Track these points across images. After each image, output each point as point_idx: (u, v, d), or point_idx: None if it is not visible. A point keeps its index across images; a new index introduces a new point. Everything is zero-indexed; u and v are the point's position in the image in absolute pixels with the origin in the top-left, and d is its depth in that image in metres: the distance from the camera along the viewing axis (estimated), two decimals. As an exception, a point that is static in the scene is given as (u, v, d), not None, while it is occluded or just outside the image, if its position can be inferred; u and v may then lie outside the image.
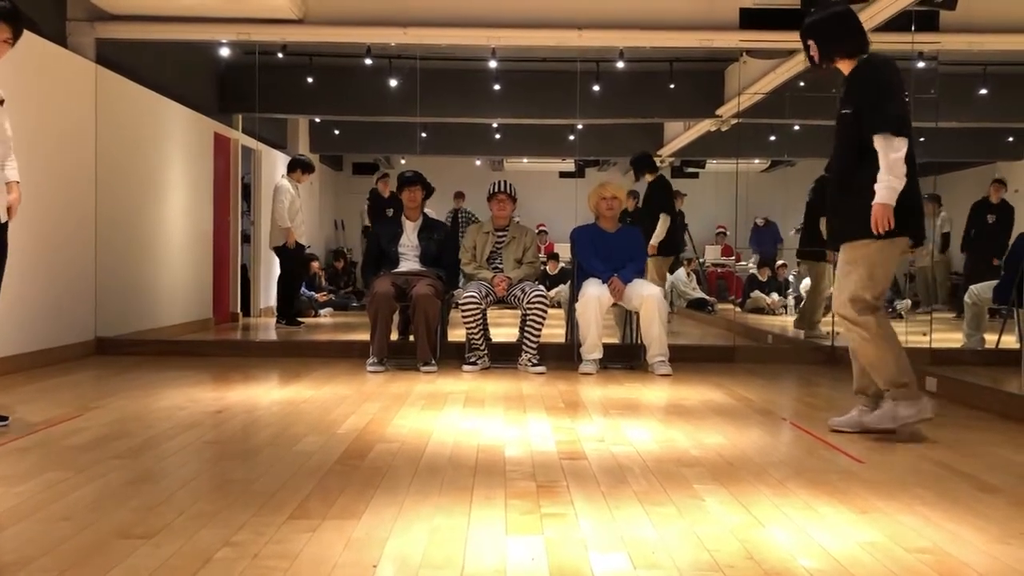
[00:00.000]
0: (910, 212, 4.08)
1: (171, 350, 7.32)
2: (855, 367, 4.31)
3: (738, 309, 10.95)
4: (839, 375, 6.19)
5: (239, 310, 10.09)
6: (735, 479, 3.34)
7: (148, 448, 3.77)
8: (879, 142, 4.00)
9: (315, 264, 11.15)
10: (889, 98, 4.05)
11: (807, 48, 4.29)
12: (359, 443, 3.90)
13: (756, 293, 11.52)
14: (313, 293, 10.83)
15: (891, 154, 3.97)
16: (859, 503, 3.04)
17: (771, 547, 2.57)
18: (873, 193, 3.99)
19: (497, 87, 9.76)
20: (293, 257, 9.47)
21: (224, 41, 8.19)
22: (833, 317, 7.43)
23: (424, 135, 10.53)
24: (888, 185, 3.96)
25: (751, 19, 7.42)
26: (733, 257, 12.07)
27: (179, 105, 8.68)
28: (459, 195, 10.62)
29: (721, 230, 12.37)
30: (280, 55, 8.49)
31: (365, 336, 6.67)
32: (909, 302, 9.52)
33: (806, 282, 9.23)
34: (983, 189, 11.29)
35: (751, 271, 11.79)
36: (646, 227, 7.98)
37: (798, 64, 8.14)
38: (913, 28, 6.60)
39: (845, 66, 4.24)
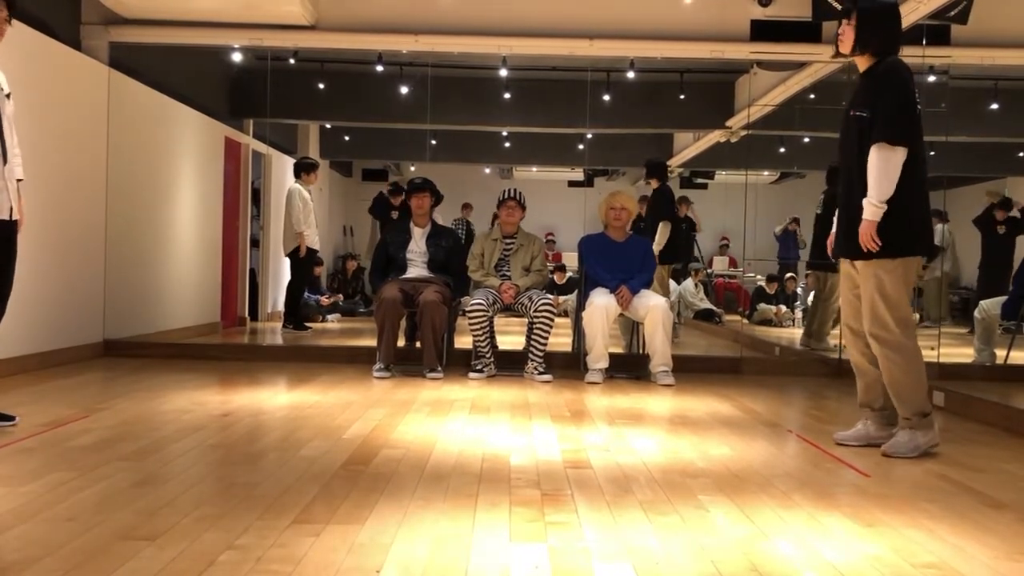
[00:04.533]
0: (923, 229, 4.01)
1: (178, 353, 7.33)
2: (860, 382, 4.29)
3: (745, 321, 10.93)
4: (846, 388, 6.17)
5: (247, 314, 10.12)
6: (740, 491, 3.33)
7: (153, 450, 3.77)
8: (879, 152, 3.88)
9: (318, 268, 11.14)
10: (908, 110, 3.93)
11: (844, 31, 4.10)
12: (364, 449, 3.90)
13: (763, 305, 11.49)
14: (317, 296, 10.81)
15: (890, 168, 3.86)
16: (865, 516, 3.03)
17: (776, 559, 2.56)
18: (897, 208, 3.88)
19: (507, 95, 9.78)
20: (303, 263, 9.49)
21: (236, 46, 8.23)
22: (840, 330, 7.42)
23: (434, 142, 10.54)
24: (880, 202, 3.88)
25: (762, 31, 7.45)
26: (740, 269, 12.05)
27: (190, 109, 8.72)
28: (466, 206, 10.62)
29: (724, 242, 12.35)
30: (292, 61, 8.53)
31: (371, 342, 6.67)
32: (917, 316, 9.50)
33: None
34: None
35: (759, 283, 11.77)
36: (648, 235, 8.00)
37: (808, 76, 8.14)
38: (924, 42, 6.60)
39: (863, 62, 4.09)
